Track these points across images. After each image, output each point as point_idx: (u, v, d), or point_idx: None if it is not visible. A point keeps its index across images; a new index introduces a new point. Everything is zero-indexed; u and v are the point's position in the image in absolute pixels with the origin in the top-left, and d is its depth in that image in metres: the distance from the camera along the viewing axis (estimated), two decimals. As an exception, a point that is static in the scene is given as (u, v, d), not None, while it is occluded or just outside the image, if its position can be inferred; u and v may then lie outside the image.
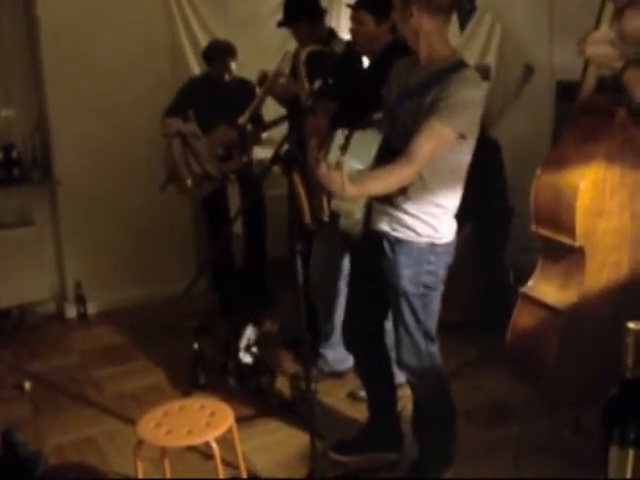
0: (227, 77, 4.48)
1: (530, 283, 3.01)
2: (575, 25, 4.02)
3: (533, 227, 2.94)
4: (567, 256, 2.85)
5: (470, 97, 2.35)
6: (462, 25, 4.80)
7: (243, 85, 4.52)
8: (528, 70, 4.42)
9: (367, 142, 2.50)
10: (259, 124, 4.38)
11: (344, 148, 2.38)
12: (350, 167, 2.31)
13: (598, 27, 2.62)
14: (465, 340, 4.03)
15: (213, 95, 4.38)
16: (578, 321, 2.83)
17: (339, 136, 2.24)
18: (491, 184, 4.00)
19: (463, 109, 2.32)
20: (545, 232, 2.90)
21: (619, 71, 2.42)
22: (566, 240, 2.79)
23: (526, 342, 3.02)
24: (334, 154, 2.22)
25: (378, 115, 2.62)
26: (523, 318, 3.02)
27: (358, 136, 2.53)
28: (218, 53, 4.47)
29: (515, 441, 3.09)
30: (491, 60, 4.65)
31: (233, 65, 4.49)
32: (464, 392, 3.49)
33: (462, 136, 2.35)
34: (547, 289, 2.94)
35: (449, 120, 2.30)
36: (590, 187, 2.72)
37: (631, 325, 1.19)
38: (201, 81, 4.60)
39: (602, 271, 2.85)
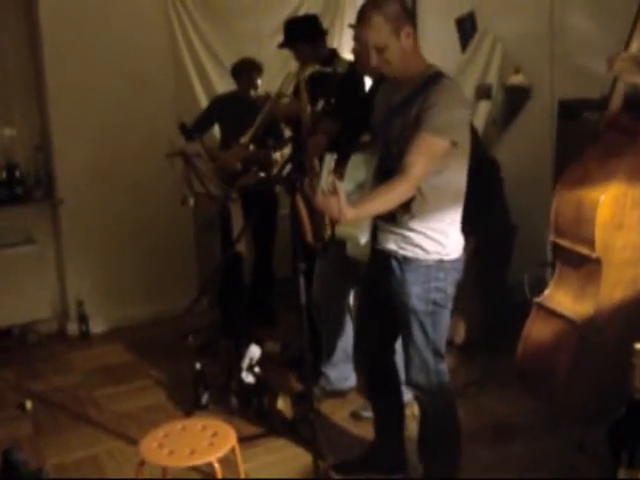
0: (252, 93, 4.54)
1: (546, 293, 3.07)
2: (576, 44, 4.07)
3: (551, 237, 3.00)
4: (584, 267, 2.90)
5: (453, 104, 2.37)
6: (463, 45, 4.84)
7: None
8: (528, 90, 4.44)
9: (362, 164, 2.51)
10: (278, 139, 4.43)
11: (335, 171, 2.38)
12: (346, 190, 2.31)
13: (629, 46, 2.65)
14: (468, 359, 4.03)
15: (238, 112, 4.41)
16: (592, 334, 2.86)
17: (328, 160, 2.24)
18: (491, 203, 4.00)
19: (449, 116, 2.34)
20: (564, 242, 2.96)
21: None
22: (584, 251, 2.84)
23: (537, 353, 3.05)
24: (325, 179, 2.22)
25: (366, 137, 2.62)
26: (536, 328, 3.05)
27: (354, 159, 2.54)
28: (245, 69, 4.56)
29: (519, 460, 3.08)
30: (492, 80, 4.67)
31: (259, 81, 4.56)
32: (468, 411, 3.47)
33: (454, 143, 2.36)
34: (562, 300, 2.98)
35: (438, 130, 2.32)
36: (611, 200, 2.79)
37: (638, 346, 1.19)
38: (227, 98, 4.67)
39: (618, 286, 2.90)
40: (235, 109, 4.48)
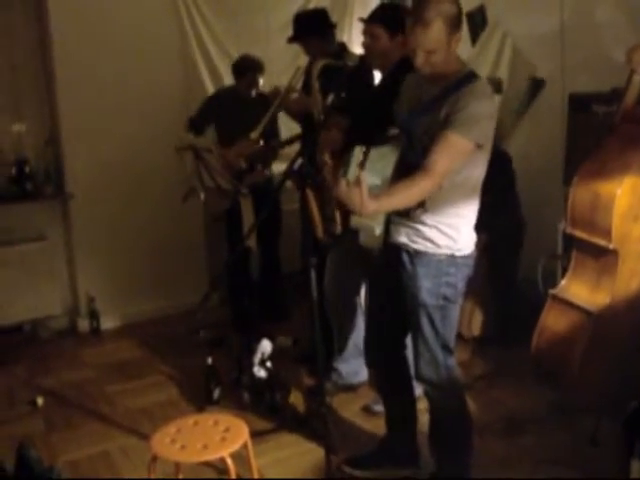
0: (253, 92, 4.52)
1: (561, 284, 3.09)
2: (586, 37, 4.05)
3: (568, 229, 3.03)
4: (600, 258, 2.93)
5: (483, 108, 2.35)
6: (474, 39, 4.82)
7: (267, 102, 4.55)
8: (539, 83, 4.42)
9: (384, 158, 2.50)
10: (274, 138, 4.40)
11: (362, 164, 2.38)
12: (368, 183, 2.31)
13: None
14: (479, 353, 4.02)
15: (237, 109, 4.41)
16: (606, 325, 2.89)
17: (358, 153, 2.23)
18: (503, 196, 3.99)
19: (477, 120, 2.32)
20: (580, 234, 2.98)
21: None
22: (601, 242, 2.87)
23: (553, 344, 3.08)
24: (353, 171, 2.21)
25: (394, 131, 2.61)
26: (552, 320, 3.08)
27: (375, 152, 2.53)
28: (247, 67, 4.51)
29: (532, 453, 3.07)
30: (502, 74, 4.65)
31: (261, 81, 4.53)
32: (479, 405, 3.47)
33: (478, 146, 2.35)
34: (578, 291, 3.00)
35: (465, 131, 2.30)
36: (628, 192, 2.82)
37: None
38: (227, 94, 4.64)
39: (633, 277, 2.92)
40: (234, 106, 4.46)
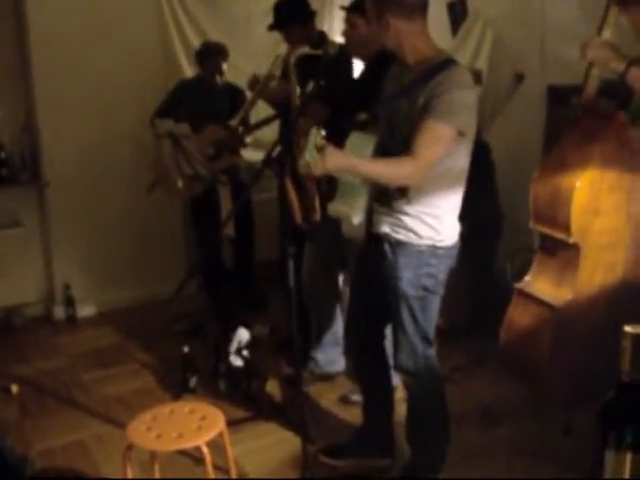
0: (218, 78, 4.47)
1: (526, 279, 3.07)
2: (567, 29, 4.06)
3: (531, 224, 3.00)
4: (562, 252, 2.91)
5: (464, 96, 2.35)
6: (454, 30, 4.81)
7: (234, 91, 4.53)
8: (518, 76, 4.43)
9: (362, 144, 2.50)
10: (246, 127, 4.37)
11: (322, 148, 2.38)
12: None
13: (601, 32, 2.63)
14: (454, 344, 4.03)
15: (204, 98, 4.38)
16: (571, 319, 2.88)
17: (314, 134, 2.23)
18: (482, 187, 3.99)
19: (459, 107, 2.32)
20: (542, 228, 2.97)
21: (624, 70, 2.43)
22: (562, 236, 2.85)
23: (520, 338, 3.06)
24: (310, 152, 2.22)
25: (362, 116, 2.61)
26: (518, 314, 3.06)
27: (353, 137, 2.52)
28: (210, 54, 4.46)
29: (506, 443, 3.10)
30: (482, 65, 4.65)
31: (224, 66, 4.47)
32: (455, 396, 3.48)
33: (460, 133, 2.35)
34: (542, 286, 2.99)
35: (446, 118, 2.30)
36: (587, 185, 2.79)
37: (628, 329, 1.18)
38: (192, 84, 4.59)
39: (596, 271, 2.91)
40: (200, 95, 4.42)
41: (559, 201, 2.84)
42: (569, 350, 2.90)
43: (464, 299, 4.18)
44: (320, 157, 2.24)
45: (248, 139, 4.43)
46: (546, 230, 2.95)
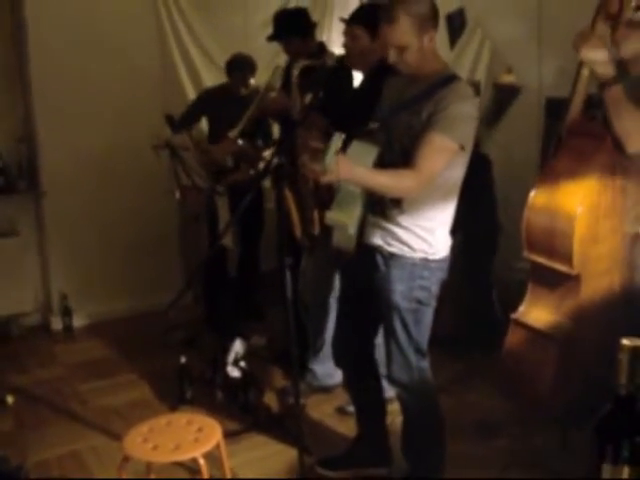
0: (243, 91, 4.48)
1: (521, 309, 2.93)
2: (564, 42, 4.07)
3: (525, 253, 2.85)
4: (562, 283, 2.77)
5: (465, 110, 2.35)
6: (452, 41, 4.83)
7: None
8: (517, 88, 4.45)
9: (364, 154, 2.50)
10: (265, 138, 4.39)
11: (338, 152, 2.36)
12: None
13: (594, 27, 2.58)
14: (452, 355, 4.03)
15: (227, 106, 4.38)
16: (572, 346, 2.78)
17: (336, 139, 2.22)
18: (480, 199, 4.00)
19: (461, 121, 2.33)
20: (538, 259, 2.81)
21: (600, 86, 2.40)
22: (562, 268, 2.71)
23: (519, 368, 2.95)
24: (331, 157, 2.21)
25: (373, 125, 2.60)
26: (516, 344, 2.94)
27: (356, 146, 2.52)
28: (239, 66, 4.47)
29: (503, 455, 3.08)
30: (481, 76, 4.67)
31: (252, 80, 4.48)
32: (452, 407, 3.47)
33: (462, 147, 2.36)
34: (539, 315, 2.86)
35: (449, 133, 2.31)
36: (586, 213, 2.66)
37: (625, 342, 1.18)
38: (217, 91, 4.60)
39: (596, 295, 2.79)
40: (224, 103, 4.44)
41: (558, 232, 2.69)
42: (572, 375, 2.82)
43: (461, 309, 4.18)
44: (334, 162, 2.23)
45: (266, 153, 4.44)
46: (543, 261, 2.79)
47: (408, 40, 2.33)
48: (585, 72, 2.68)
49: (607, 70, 2.37)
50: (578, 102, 2.76)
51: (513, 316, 2.95)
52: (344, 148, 2.44)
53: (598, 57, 2.42)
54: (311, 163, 2.25)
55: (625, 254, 2.82)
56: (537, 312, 2.90)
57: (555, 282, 2.80)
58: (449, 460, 2.81)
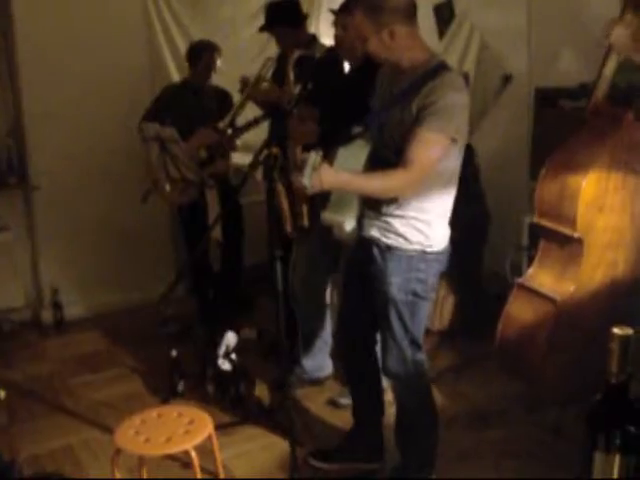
0: (211, 75, 4.40)
1: (528, 273, 3.13)
2: (554, 32, 4.08)
3: (535, 219, 3.06)
4: (566, 247, 2.96)
5: (455, 100, 2.32)
6: (441, 32, 4.82)
7: (221, 94, 4.49)
8: (506, 78, 4.44)
9: (355, 153, 2.49)
10: (234, 129, 4.34)
11: (330, 163, 2.39)
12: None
13: (623, 16, 2.64)
14: (444, 346, 4.04)
15: (191, 101, 4.34)
16: (570, 315, 2.92)
17: (313, 158, 2.25)
18: (466, 189, 4.00)
19: (451, 114, 2.31)
20: (547, 223, 3.02)
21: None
22: (566, 230, 2.91)
23: (517, 332, 3.09)
24: (308, 177, 2.25)
25: (358, 129, 2.60)
26: (517, 308, 3.10)
27: (344, 150, 2.52)
28: (203, 50, 4.37)
29: (496, 445, 3.10)
30: (470, 67, 4.66)
31: (218, 62, 4.40)
32: (446, 398, 3.50)
33: (454, 140, 2.34)
34: (544, 279, 3.04)
35: (440, 127, 2.28)
36: (594, 182, 2.86)
37: (616, 330, 1.19)
38: (179, 87, 4.54)
39: (598, 268, 2.96)
40: (187, 98, 4.37)
41: (566, 196, 2.90)
42: (566, 345, 2.93)
43: (453, 301, 4.19)
44: (316, 175, 2.26)
45: (238, 142, 4.41)
46: (550, 225, 3.00)
47: (364, 33, 2.34)
48: (613, 58, 2.75)
49: (636, 54, 2.44)
50: (603, 87, 2.88)
51: (518, 280, 3.14)
52: (332, 153, 2.47)
53: (625, 42, 2.49)
54: (296, 179, 2.29)
55: (633, 235, 2.98)
56: (541, 276, 3.07)
57: (560, 246, 3.00)
58: (442, 450, 2.83)
